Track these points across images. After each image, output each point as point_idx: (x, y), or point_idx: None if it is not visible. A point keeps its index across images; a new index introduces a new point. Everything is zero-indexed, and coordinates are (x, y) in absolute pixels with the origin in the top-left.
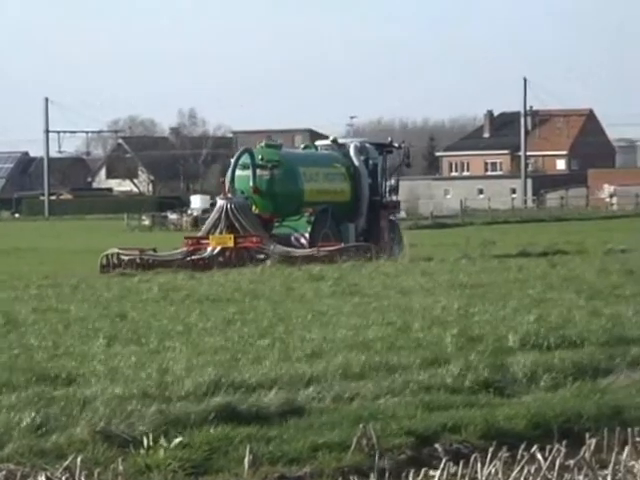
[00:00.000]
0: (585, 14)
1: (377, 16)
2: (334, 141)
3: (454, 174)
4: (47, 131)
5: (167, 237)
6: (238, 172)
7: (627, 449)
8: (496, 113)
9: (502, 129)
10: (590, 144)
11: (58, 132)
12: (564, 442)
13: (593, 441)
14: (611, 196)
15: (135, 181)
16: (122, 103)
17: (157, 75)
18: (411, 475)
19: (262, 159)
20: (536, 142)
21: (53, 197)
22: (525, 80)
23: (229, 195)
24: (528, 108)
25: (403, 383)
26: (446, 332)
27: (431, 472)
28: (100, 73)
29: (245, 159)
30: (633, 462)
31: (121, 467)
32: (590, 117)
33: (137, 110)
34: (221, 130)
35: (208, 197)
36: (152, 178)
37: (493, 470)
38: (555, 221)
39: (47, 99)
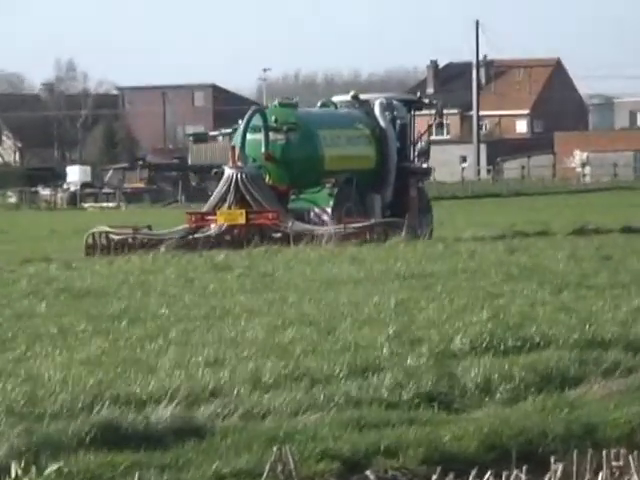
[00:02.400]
0: None
1: None
2: (355, 97)
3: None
4: None
5: (37, 217)
6: (249, 136)
7: (601, 475)
8: (442, 64)
9: (449, 83)
10: (557, 101)
11: None
12: (524, 467)
13: (560, 466)
14: (583, 165)
15: None
16: None
17: (25, 20)
18: None
19: (276, 121)
20: (491, 99)
21: None
22: (477, 23)
23: (239, 163)
24: (481, 57)
25: (327, 396)
26: (380, 333)
27: None
28: None
29: (256, 121)
30: None
31: None
32: (557, 68)
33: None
34: (104, 87)
35: (89, 168)
36: (19, 145)
37: None
38: (515, 196)
39: None
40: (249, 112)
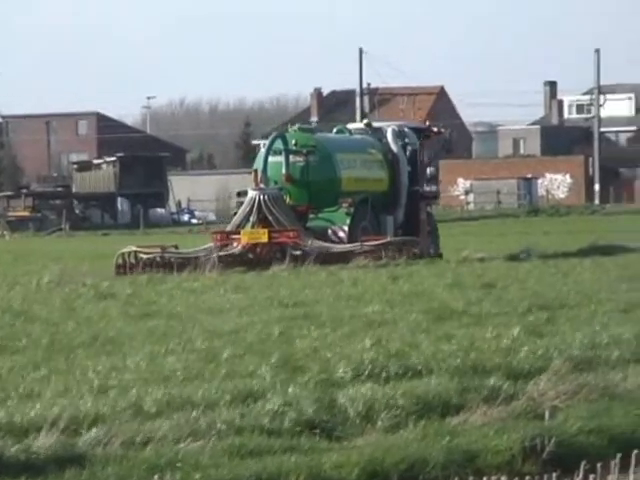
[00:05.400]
0: None
1: None
2: (368, 125)
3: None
4: None
5: None
6: (270, 159)
7: None
8: (326, 92)
9: (334, 111)
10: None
11: None
12: None
13: None
14: (467, 193)
15: None
16: None
17: None
18: None
19: (296, 144)
20: None
21: None
22: (361, 52)
23: (261, 185)
24: (365, 85)
25: (209, 423)
26: (262, 361)
27: None
28: None
29: (277, 144)
30: None
31: None
32: (441, 96)
33: None
34: None
35: None
36: None
37: None
38: None
39: None
40: (271, 137)
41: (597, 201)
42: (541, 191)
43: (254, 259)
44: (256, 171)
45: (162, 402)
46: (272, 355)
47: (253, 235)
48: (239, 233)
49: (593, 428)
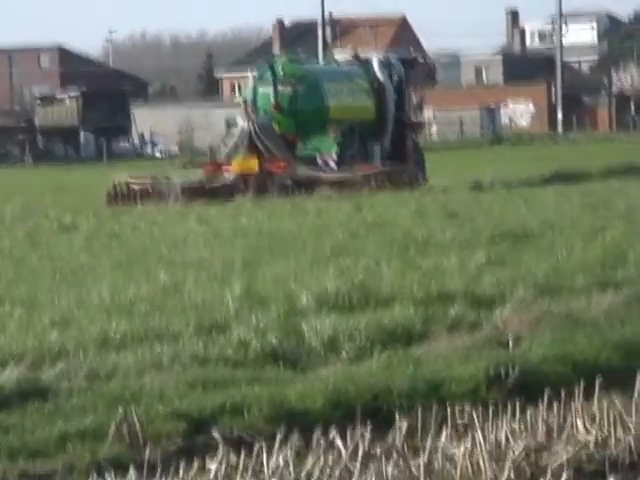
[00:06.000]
0: None
1: None
2: (355, 56)
3: (238, 99)
4: None
5: None
6: (260, 89)
7: (445, 432)
8: (287, 23)
9: (296, 42)
10: None
11: None
12: (369, 425)
13: (405, 423)
14: (429, 123)
15: None
16: None
17: None
18: (182, 468)
19: (284, 74)
20: None
21: None
22: None
23: (251, 115)
24: (327, 15)
25: (172, 355)
26: (226, 291)
27: (208, 464)
28: None
29: (266, 75)
30: (453, 448)
31: None
32: (403, 26)
33: None
34: None
35: None
36: None
37: (282, 461)
38: None
39: None
40: (259, 67)
41: (560, 129)
42: (504, 120)
43: (246, 188)
44: (245, 101)
45: (126, 334)
46: (235, 285)
47: (244, 164)
48: (230, 163)
49: (557, 355)
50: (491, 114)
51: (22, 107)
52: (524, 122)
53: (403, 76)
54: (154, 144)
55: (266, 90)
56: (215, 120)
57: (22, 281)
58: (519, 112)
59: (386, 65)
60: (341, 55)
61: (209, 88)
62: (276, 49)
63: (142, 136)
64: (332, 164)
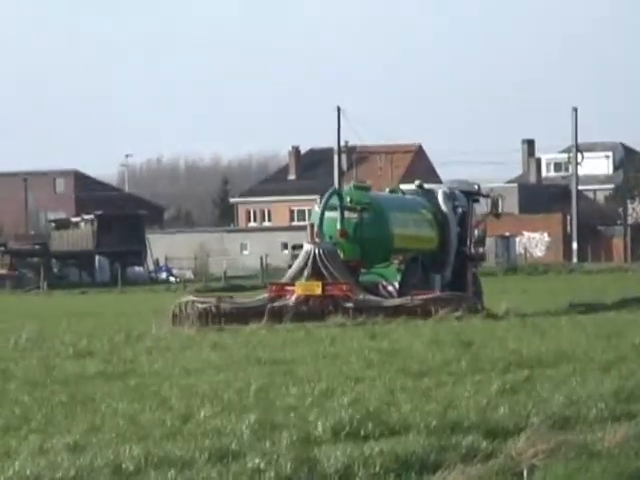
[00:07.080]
0: (410, 36)
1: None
2: (420, 186)
3: (252, 225)
4: None
5: None
6: (326, 214)
7: None
8: (303, 150)
9: (311, 169)
10: None
11: None
12: None
13: None
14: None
15: None
16: None
17: None
18: None
19: (351, 201)
20: None
21: None
22: (339, 110)
23: (317, 239)
24: (343, 143)
25: None
26: (241, 419)
27: None
28: None
29: (333, 201)
30: None
31: None
32: (418, 154)
33: None
34: None
35: None
36: None
37: None
38: None
39: None
40: (327, 193)
41: (575, 259)
42: (519, 249)
43: (308, 311)
44: (312, 225)
45: (140, 460)
46: (250, 413)
47: (308, 287)
48: (294, 285)
49: None
50: (506, 243)
51: (37, 231)
52: (539, 252)
53: (467, 208)
54: (169, 270)
55: (332, 215)
56: (229, 246)
57: (38, 407)
58: (534, 242)
59: (450, 197)
60: (406, 185)
61: (224, 213)
62: (292, 176)
63: (157, 261)
64: (392, 290)
